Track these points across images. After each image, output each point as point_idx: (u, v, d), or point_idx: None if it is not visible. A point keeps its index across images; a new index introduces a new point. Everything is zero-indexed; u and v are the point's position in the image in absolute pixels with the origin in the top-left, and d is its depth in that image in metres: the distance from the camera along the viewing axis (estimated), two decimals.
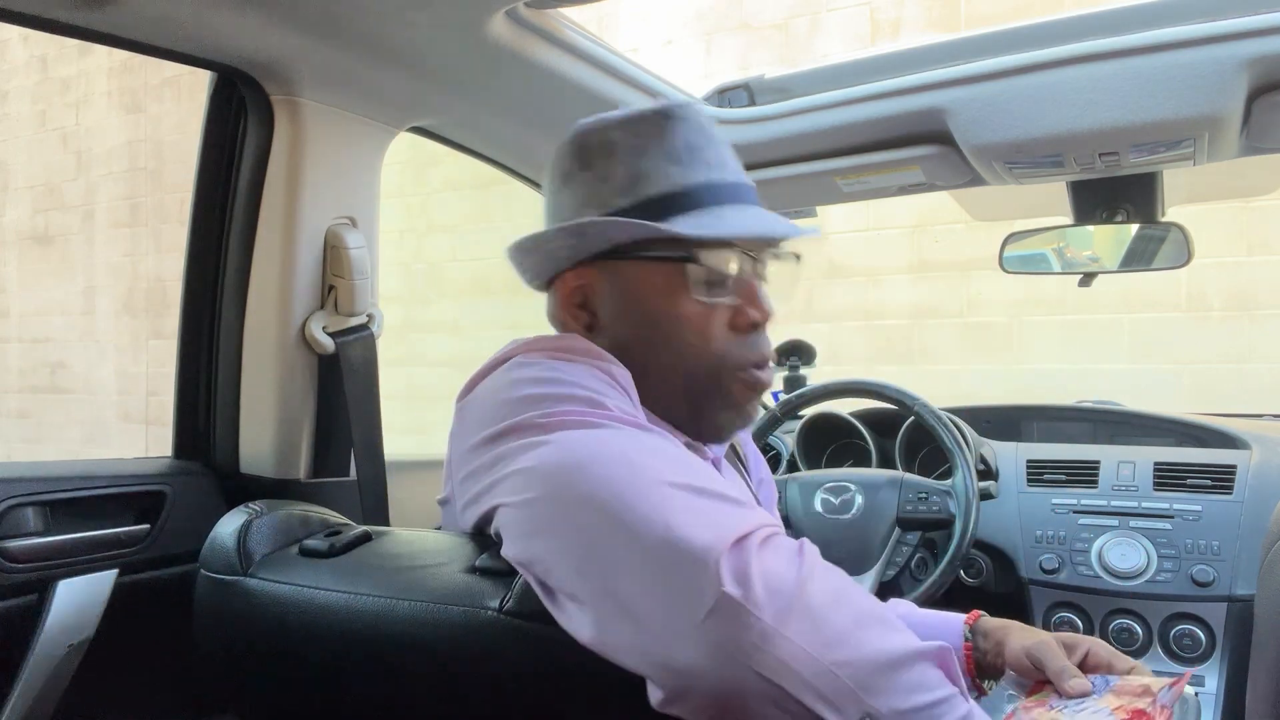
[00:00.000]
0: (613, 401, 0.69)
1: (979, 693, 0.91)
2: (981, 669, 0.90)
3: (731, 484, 0.66)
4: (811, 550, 0.60)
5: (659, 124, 0.80)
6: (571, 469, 0.62)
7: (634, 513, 0.58)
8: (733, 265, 0.79)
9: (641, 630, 0.56)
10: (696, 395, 0.80)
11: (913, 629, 0.95)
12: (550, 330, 0.86)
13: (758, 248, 0.81)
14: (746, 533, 0.57)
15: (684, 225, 0.76)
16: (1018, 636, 0.85)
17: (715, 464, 0.93)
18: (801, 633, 0.55)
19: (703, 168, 0.79)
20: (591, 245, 0.79)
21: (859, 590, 0.61)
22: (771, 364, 0.84)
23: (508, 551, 0.65)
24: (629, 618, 0.56)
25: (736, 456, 1.06)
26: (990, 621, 0.91)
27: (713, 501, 0.60)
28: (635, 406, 0.74)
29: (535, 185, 1.58)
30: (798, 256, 0.86)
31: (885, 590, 1.48)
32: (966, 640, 0.91)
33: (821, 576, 0.58)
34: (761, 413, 1.80)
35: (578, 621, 0.59)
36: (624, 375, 0.75)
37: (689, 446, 0.83)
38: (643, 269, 0.79)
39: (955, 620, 0.94)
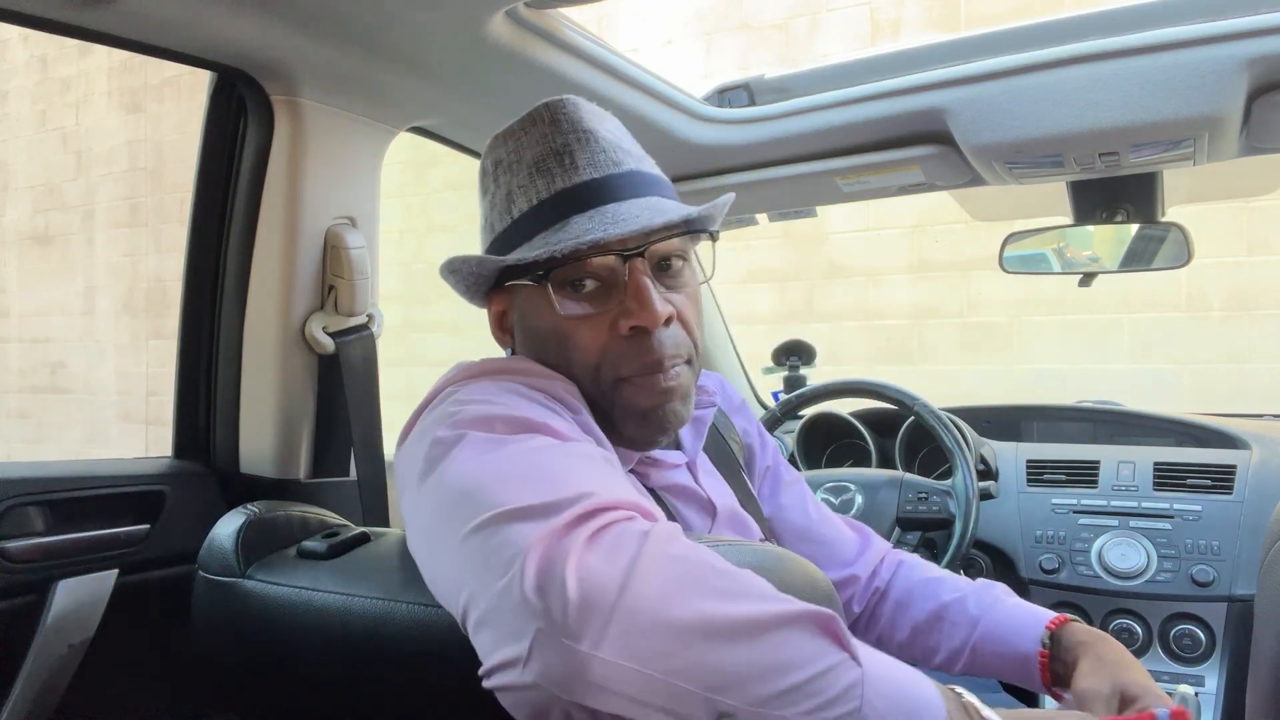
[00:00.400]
0: (514, 412, 0.67)
1: (1056, 700, 0.85)
2: (1059, 679, 0.85)
3: (590, 472, 0.61)
4: (661, 534, 0.55)
5: (532, 132, 0.80)
6: (424, 527, 0.64)
7: (462, 573, 0.58)
8: (594, 273, 0.76)
9: (496, 675, 0.54)
10: (599, 409, 0.78)
11: (992, 618, 0.91)
12: None
13: (634, 245, 0.75)
14: (562, 540, 0.53)
15: (536, 244, 0.75)
16: (1085, 671, 0.79)
17: (690, 466, 0.92)
18: (626, 649, 0.50)
19: (564, 174, 0.77)
20: (477, 278, 0.81)
21: (711, 568, 0.54)
22: (673, 366, 0.78)
23: None
24: (489, 667, 0.55)
25: (730, 449, 1.04)
26: (1075, 634, 0.85)
27: (527, 523, 0.55)
28: (568, 416, 0.72)
29: None
30: (712, 235, 0.84)
31: None
32: (1044, 647, 0.86)
33: (660, 567, 0.52)
34: (761, 416, 1.80)
35: None
36: (567, 389, 0.75)
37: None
38: (524, 292, 0.80)
39: (1038, 621, 0.89)
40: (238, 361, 1.19)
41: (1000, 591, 0.96)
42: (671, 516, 0.85)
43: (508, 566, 0.54)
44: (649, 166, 0.82)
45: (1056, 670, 0.85)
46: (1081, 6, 1.31)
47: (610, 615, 0.50)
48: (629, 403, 0.78)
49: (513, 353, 0.85)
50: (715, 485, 0.94)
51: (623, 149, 0.81)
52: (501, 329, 0.86)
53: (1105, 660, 0.80)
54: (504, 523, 0.56)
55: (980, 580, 1.00)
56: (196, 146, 1.19)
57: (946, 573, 1.04)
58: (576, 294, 0.77)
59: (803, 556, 0.63)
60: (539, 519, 0.55)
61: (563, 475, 0.59)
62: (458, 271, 0.81)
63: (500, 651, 0.53)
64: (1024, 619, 0.91)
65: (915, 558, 1.09)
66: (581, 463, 0.63)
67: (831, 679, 0.51)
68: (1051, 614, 0.90)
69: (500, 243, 0.80)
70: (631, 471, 0.84)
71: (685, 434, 0.92)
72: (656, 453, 0.87)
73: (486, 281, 0.83)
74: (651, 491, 0.86)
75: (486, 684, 0.55)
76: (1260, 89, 1.17)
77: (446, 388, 0.74)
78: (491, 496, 0.58)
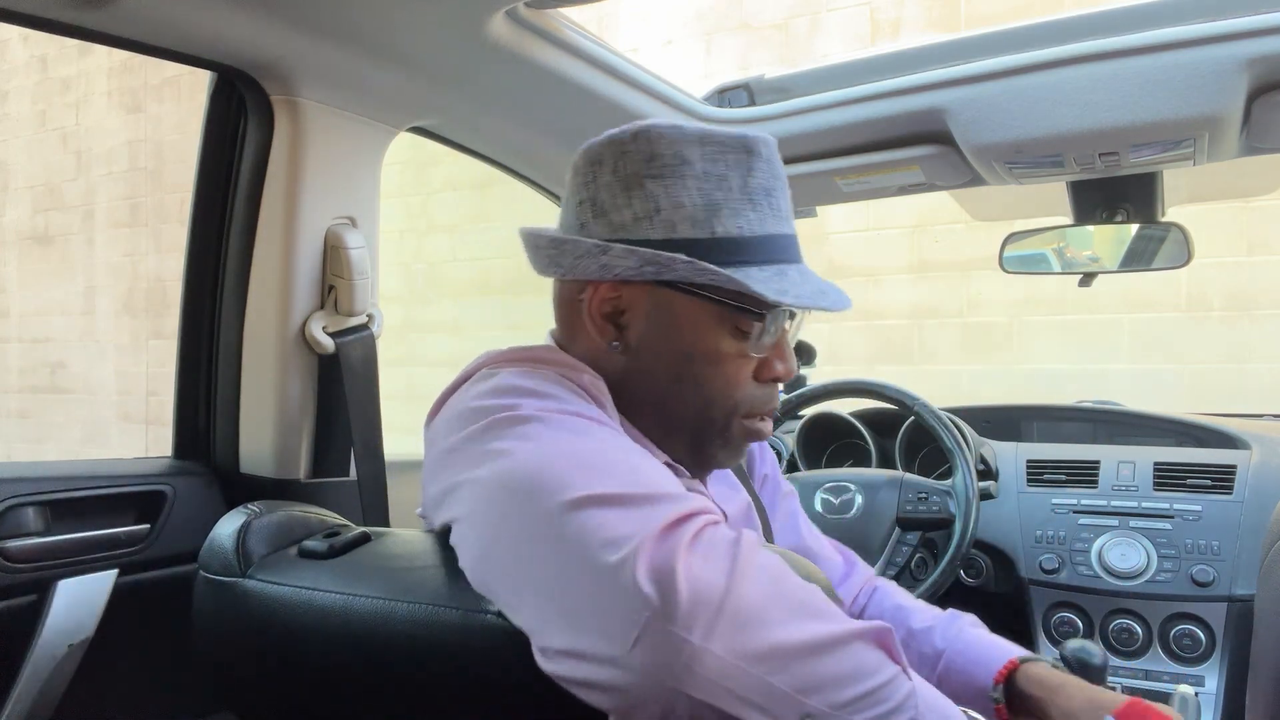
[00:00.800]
0: (569, 406, 0.69)
1: None
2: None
3: (663, 472, 0.64)
4: (748, 542, 0.58)
5: (742, 158, 0.77)
6: (496, 494, 0.63)
7: (550, 547, 0.58)
8: (785, 325, 0.81)
9: (579, 661, 0.55)
10: (702, 433, 0.81)
11: (955, 649, 0.93)
12: (551, 321, 0.86)
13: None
14: (667, 539, 0.55)
15: (759, 281, 0.74)
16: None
17: None
18: (732, 646, 0.53)
19: (773, 217, 0.78)
20: (653, 271, 0.75)
21: (792, 580, 0.59)
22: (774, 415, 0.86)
23: (465, 569, 0.65)
24: (566, 651, 0.55)
25: None
26: (1026, 685, 0.85)
27: (628, 511, 0.57)
28: (602, 413, 0.73)
29: (535, 185, 1.58)
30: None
31: None
32: (998, 702, 0.86)
33: (754, 575, 0.56)
34: None
35: (536, 653, 0.58)
36: (594, 383, 0.75)
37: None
38: (697, 306, 0.76)
39: (999, 656, 0.89)
40: (238, 361, 1.19)
41: (966, 622, 0.97)
42: None
43: (607, 550, 0.55)
44: None
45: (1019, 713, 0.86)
46: (1081, 6, 1.31)
47: (718, 613, 0.53)
48: (735, 438, 0.82)
49: (619, 346, 0.79)
50: (724, 492, 0.94)
51: None
52: (603, 317, 0.78)
53: (1069, 713, 0.80)
54: (598, 507, 0.57)
55: (949, 611, 1.01)
56: (196, 146, 1.19)
57: (918, 603, 1.05)
58: (743, 334, 0.78)
59: None
60: (638, 509, 0.57)
61: (641, 470, 0.62)
62: (654, 261, 0.74)
63: (587, 637, 0.54)
64: (985, 653, 0.91)
65: (889, 584, 1.10)
66: (649, 462, 0.65)
67: (893, 689, 0.57)
68: (1012, 650, 0.90)
69: (684, 248, 0.74)
70: None
71: None
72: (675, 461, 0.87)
73: (633, 273, 0.76)
74: None
75: (549, 667, 0.56)
76: (1260, 89, 1.17)
77: (480, 370, 0.74)
78: (576, 479, 0.59)
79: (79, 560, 1.03)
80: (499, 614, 0.61)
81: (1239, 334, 3.32)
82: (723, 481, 0.96)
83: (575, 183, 0.80)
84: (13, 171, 6.83)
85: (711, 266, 0.72)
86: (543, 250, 0.80)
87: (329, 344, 1.17)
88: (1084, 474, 1.62)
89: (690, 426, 0.80)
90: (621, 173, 0.77)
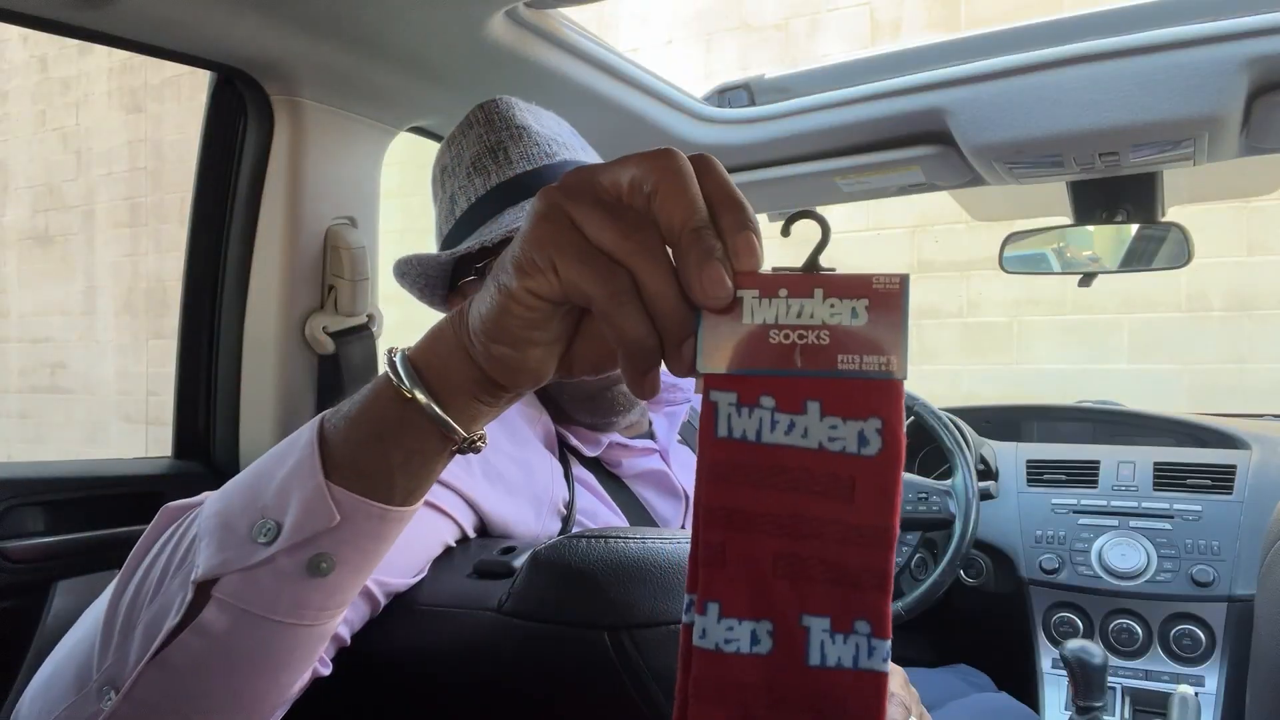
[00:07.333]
0: None
1: None
2: None
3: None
4: None
5: (464, 134, 0.84)
6: None
7: None
8: None
9: None
10: (550, 396, 0.83)
11: None
12: None
13: None
14: None
15: (467, 241, 0.79)
16: None
17: (663, 455, 0.92)
18: None
19: (501, 168, 0.81)
20: (429, 280, 0.85)
21: None
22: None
23: None
24: None
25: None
26: None
27: None
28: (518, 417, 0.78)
29: None
30: None
31: None
32: None
33: None
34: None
35: None
36: None
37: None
38: (473, 289, 0.82)
39: None
40: (238, 361, 1.19)
41: None
42: (640, 506, 0.86)
43: None
44: (588, 157, 0.85)
45: None
46: (1081, 6, 1.31)
47: None
48: (573, 389, 0.81)
49: None
50: (691, 478, 0.93)
51: (558, 141, 0.83)
52: None
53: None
54: None
55: None
56: (197, 146, 1.19)
57: None
58: None
59: None
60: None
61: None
62: (407, 274, 0.84)
63: None
64: None
65: None
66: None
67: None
68: None
69: (445, 244, 0.84)
70: (599, 458, 0.86)
71: (658, 424, 0.93)
72: (631, 440, 0.88)
73: (439, 283, 0.86)
74: (618, 480, 0.87)
75: None
76: (1260, 89, 1.17)
77: None
78: None
79: (79, 560, 1.03)
80: (499, 610, 0.61)
81: (1239, 334, 3.32)
82: (690, 469, 0.96)
83: None
84: (13, 172, 6.83)
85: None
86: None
87: (329, 344, 1.17)
88: (1084, 474, 1.62)
89: (542, 397, 0.84)
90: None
